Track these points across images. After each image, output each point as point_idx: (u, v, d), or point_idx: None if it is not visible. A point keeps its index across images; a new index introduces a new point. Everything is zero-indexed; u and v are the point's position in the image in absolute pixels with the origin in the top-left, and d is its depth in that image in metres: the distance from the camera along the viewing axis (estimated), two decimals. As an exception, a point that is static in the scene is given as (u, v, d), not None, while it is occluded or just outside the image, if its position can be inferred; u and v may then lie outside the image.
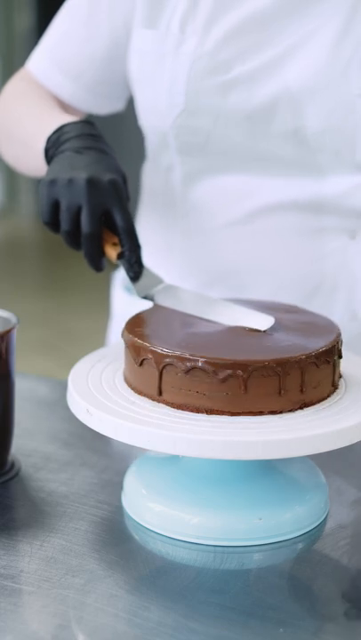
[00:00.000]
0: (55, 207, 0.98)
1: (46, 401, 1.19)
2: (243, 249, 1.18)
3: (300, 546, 0.88)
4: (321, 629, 0.77)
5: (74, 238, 0.98)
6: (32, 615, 0.78)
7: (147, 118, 1.18)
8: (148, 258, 1.28)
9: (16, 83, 1.26)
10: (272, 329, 0.91)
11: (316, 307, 1.13)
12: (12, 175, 5.68)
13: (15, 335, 0.97)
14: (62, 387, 0.96)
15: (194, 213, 1.20)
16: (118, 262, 0.98)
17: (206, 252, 1.20)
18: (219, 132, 1.13)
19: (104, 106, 1.25)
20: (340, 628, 0.76)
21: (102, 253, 0.98)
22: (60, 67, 1.21)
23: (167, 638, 0.74)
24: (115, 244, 0.98)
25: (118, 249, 0.97)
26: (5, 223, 5.77)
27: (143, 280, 0.99)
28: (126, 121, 1.20)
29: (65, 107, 1.23)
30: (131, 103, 1.24)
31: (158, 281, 1.00)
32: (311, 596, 0.81)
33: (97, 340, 1.53)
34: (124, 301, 1.30)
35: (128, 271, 0.98)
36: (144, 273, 0.99)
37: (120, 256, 0.97)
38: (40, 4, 5.41)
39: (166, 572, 0.83)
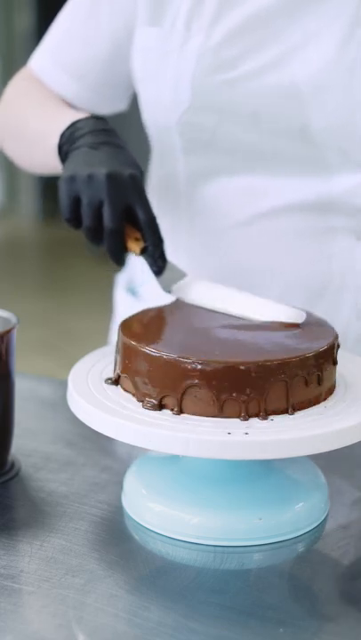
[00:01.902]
0: (76, 203, 0.98)
1: (46, 401, 1.19)
2: (249, 250, 1.18)
3: (300, 546, 0.88)
4: (321, 629, 0.77)
5: (96, 234, 0.98)
6: (32, 615, 0.78)
7: (151, 116, 1.18)
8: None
9: (18, 82, 1.26)
10: (271, 330, 0.91)
11: (324, 307, 1.13)
12: (12, 175, 5.68)
13: (15, 335, 0.97)
14: (62, 387, 0.96)
15: (199, 214, 1.20)
16: (142, 257, 0.98)
17: (212, 253, 1.20)
18: (224, 130, 1.13)
19: (107, 106, 1.25)
20: (340, 628, 0.76)
21: (125, 248, 0.98)
22: (63, 67, 1.21)
23: (167, 638, 0.74)
24: (137, 239, 0.98)
25: (141, 244, 0.97)
26: (5, 223, 5.77)
27: (167, 274, 0.99)
28: (130, 121, 1.20)
29: (68, 105, 1.23)
30: (135, 103, 1.24)
31: (182, 275, 1.00)
32: (311, 596, 0.81)
33: (97, 340, 1.53)
34: (127, 304, 1.30)
35: (152, 265, 0.98)
36: (167, 267, 0.99)
37: (143, 251, 0.97)
38: (40, 3, 5.41)
39: (166, 572, 0.83)
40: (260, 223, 1.16)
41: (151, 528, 0.88)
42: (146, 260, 0.98)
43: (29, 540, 0.87)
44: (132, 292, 1.30)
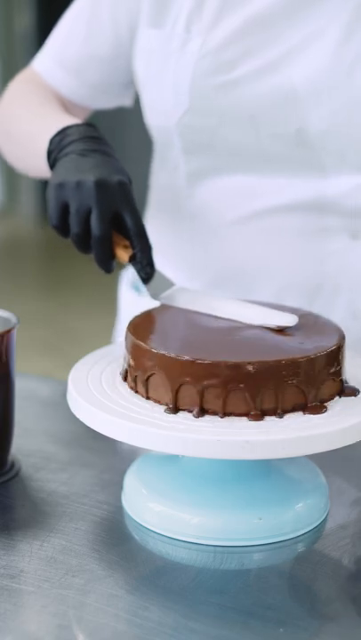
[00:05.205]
0: (64, 210, 0.98)
1: (46, 401, 1.19)
2: (246, 249, 1.18)
3: (300, 546, 0.88)
4: (321, 629, 0.77)
5: (84, 241, 0.97)
6: (32, 615, 0.78)
7: (152, 117, 1.19)
8: (155, 257, 1.28)
9: (19, 83, 1.26)
10: (275, 331, 0.91)
11: (319, 307, 1.13)
12: (12, 175, 5.68)
13: (15, 335, 0.97)
14: (62, 387, 0.96)
15: (199, 213, 1.20)
16: (130, 264, 0.98)
17: (211, 253, 1.21)
18: (223, 132, 1.13)
19: (105, 102, 1.26)
20: (340, 628, 0.76)
21: (113, 256, 0.97)
22: (62, 64, 1.22)
23: (167, 638, 0.74)
24: (125, 247, 0.97)
25: (129, 251, 0.97)
26: (5, 223, 5.77)
27: (155, 282, 0.98)
28: (130, 121, 1.21)
29: (68, 107, 1.23)
30: (136, 103, 1.24)
31: (170, 283, 1.00)
32: (311, 595, 0.81)
33: (98, 340, 1.53)
34: (131, 301, 1.30)
35: (140, 272, 0.98)
36: (155, 275, 0.98)
37: (132, 258, 0.97)
38: (40, 4, 5.41)
39: (166, 572, 0.83)
40: (255, 222, 1.16)
41: (151, 528, 0.88)
42: (134, 267, 0.98)
43: (29, 540, 0.87)
44: (137, 288, 1.30)
